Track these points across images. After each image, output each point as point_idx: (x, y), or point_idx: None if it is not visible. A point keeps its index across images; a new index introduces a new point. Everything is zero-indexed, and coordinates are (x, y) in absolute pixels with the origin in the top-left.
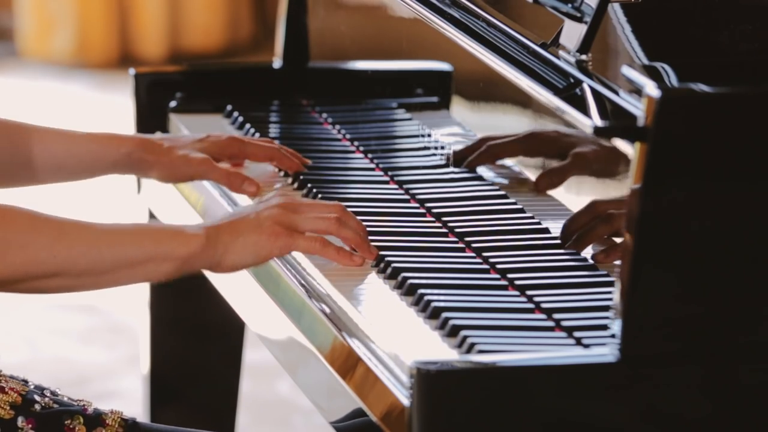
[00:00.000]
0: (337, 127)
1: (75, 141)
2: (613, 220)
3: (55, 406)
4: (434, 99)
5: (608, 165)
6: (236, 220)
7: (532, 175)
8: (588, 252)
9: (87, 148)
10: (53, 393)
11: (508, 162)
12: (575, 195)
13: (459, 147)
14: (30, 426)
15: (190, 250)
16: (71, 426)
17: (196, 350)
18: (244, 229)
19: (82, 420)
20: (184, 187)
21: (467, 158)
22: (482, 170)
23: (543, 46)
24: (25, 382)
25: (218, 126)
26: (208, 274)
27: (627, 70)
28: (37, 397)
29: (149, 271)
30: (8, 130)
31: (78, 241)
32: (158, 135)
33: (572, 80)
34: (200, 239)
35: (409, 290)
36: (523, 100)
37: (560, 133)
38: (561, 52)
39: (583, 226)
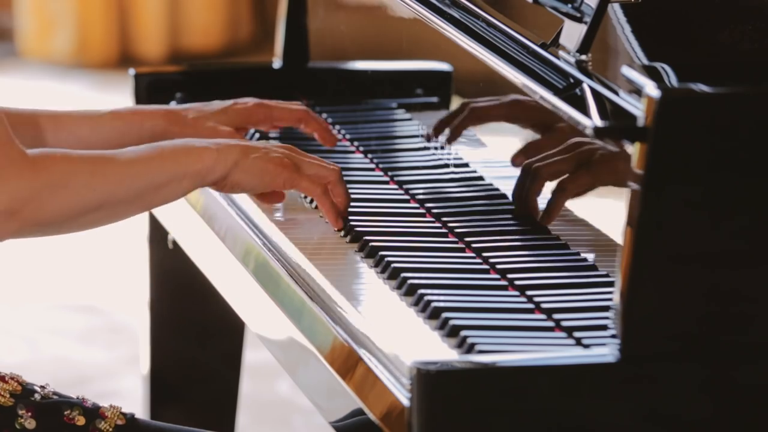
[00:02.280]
0: (337, 127)
1: (99, 121)
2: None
3: (55, 397)
4: (434, 99)
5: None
6: (248, 144)
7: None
8: (586, 251)
9: (111, 125)
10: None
11: (509, 162)
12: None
13: (463, 151)
14: (29, 414)
15: (204, 164)
16: (71, 416)
17: (196, 350)
18: (253, 152)
19: (81, 411)
20: None
21: (448, 126)
22: (482, 170)
23: (543, 46)
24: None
25: None
26: (207, 271)
27: (627, 70)
28: (37, 388)
29: (171, 190)
30: (30, 120)
31: (111, 172)
32: (184, 105)
33: (572, 80)
34: (212, 153)
35: (409, 290)
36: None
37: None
38: (561, 52)
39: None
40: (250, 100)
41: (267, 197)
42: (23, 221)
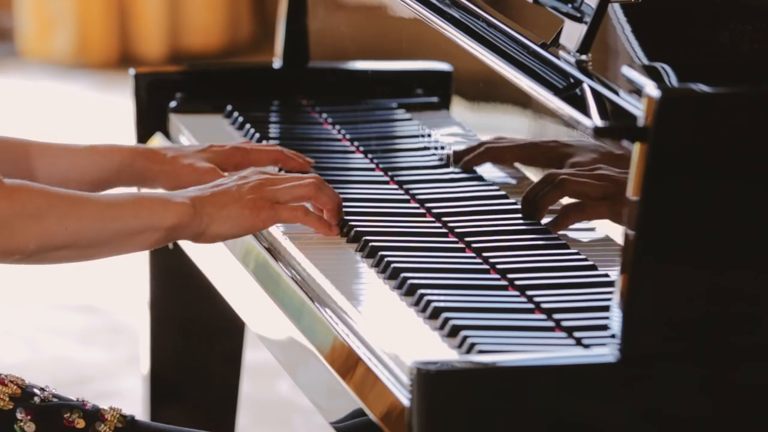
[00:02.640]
0: (337, 127)
1: (77, 153)
2: (564, 185)
3: (54, 400)
4: (434, 99)
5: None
6: (218, 192)
7: (532, 176)
8: (586, 250)
9: (90, 159)
10: (52, 391)
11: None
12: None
13: (459, 147)
14: (29, 417)
15: (179, 219)
16: (70, 419)
17: (196, 350)
18: (227, 201)
19: (81, 414)
20: None
21: (465, 158)
22: (482, 170)
23: (543, 46)
24: (23, 381)
25: (218, 126)
26: (207, 271)
27: (627, 70)
28: (36, 391)
29: (143, 240)
30: (8, 147)
31: (87, 214)
32: (160, 145)
33: (572, 80)
34: (188, 208)
35: (409, 290)
36: (523, 100)
37: (560, 143)
38: (561, 52)
39: (537, 194)
40: (227, 145)
41: None
42: None
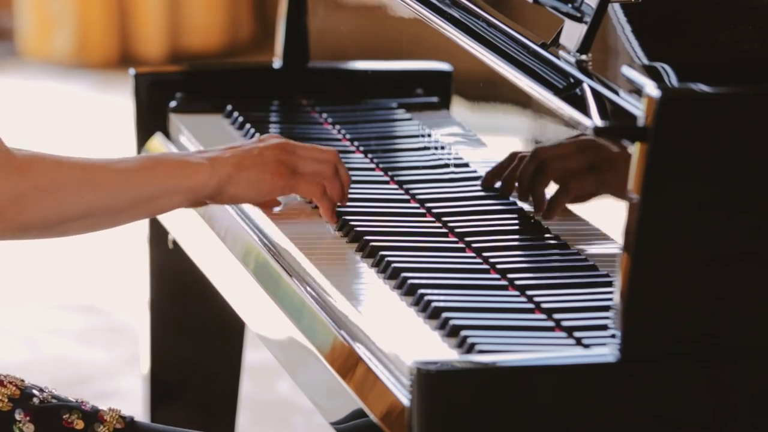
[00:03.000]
0: (337, 127)
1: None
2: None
3: (54, 401)
4: (434, 99)
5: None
6: (239, 153)
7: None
8: (586, 252)
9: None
10: (51, 392)
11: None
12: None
13: (463, 151)
14: (27, 419)
15: (198, 180)
16: (69, 420)
17: (196, 350)
18: (248, 164)
19: (80, 415)
20: None
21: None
22: (482, 170)
23: (543, 46)
24: (22, 381)
25: (218, 126)
26: (207, 271)
27: (627, 70)
28: (35, 392)
29: (163, 204)
30: None
31: (102, 181)
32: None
33: (572, 80)
34: (207, 169)
35: (409, 290)
36: (523, 100)
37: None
38: (561, 52)
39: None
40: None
41: (264, 204)
42: (6, 224)
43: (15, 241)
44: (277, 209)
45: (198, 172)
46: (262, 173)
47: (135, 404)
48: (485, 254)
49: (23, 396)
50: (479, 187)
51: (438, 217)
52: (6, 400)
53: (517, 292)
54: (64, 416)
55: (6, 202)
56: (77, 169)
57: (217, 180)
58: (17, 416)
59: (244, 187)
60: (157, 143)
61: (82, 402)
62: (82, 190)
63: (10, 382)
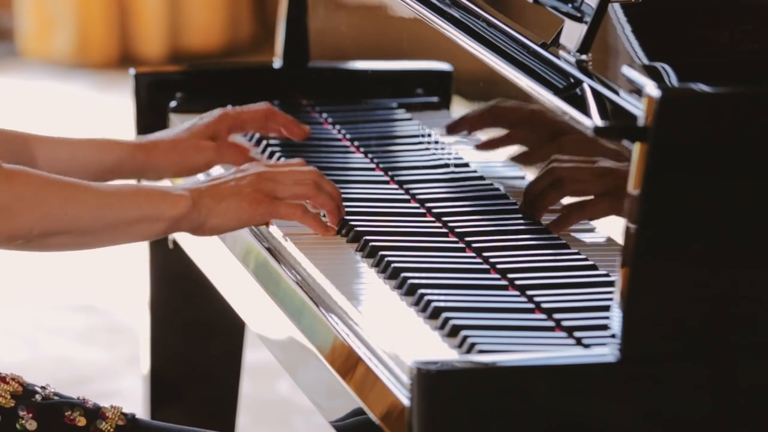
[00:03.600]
0: (337, 127)
1: (76, 146)
2: (563, 184)
3: (56, 398)
4: (434, 99)
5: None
6: (217, 184)
7: (532, 176)
8: (586, 251)
9: (90, 152)
10: (53, 390)
11: (508, 161)
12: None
13: (463, 151)
14: (30, 415)
15: (178, 211)
16: (71, 417)
17: (196, 350)
18: (226, 194)
19: (82, 412)
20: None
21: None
22: (483, 170)
23: (543, 46)
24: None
25: None
26: (207, 271)
27: (627, 70)
28: (38, 389)
29: (142, 230)
30: (9, 138)
31: (86, 200)
32: (152, 136)
33: (572, 80)
34: (187, 201)
35: (409, 290)
36: (523, 100)
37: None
38: (561, 52)
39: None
40: (216, 111)
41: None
42: None
43: None
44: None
45: (178, 203)
46: (240, 202)
47: (135, 404)
48: (485, 254)
49: (26, 393)
50: (479, 187)
51: (438, 217)
52: (8, 396)
53: (517, 292)
54: (66, 413)
55: None
56: (63, 186)
57: (197, 212)
58: (20, 413)
59: (223, 218)
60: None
61: (84, 399)
62: (65, 206)
63: (13, 379)
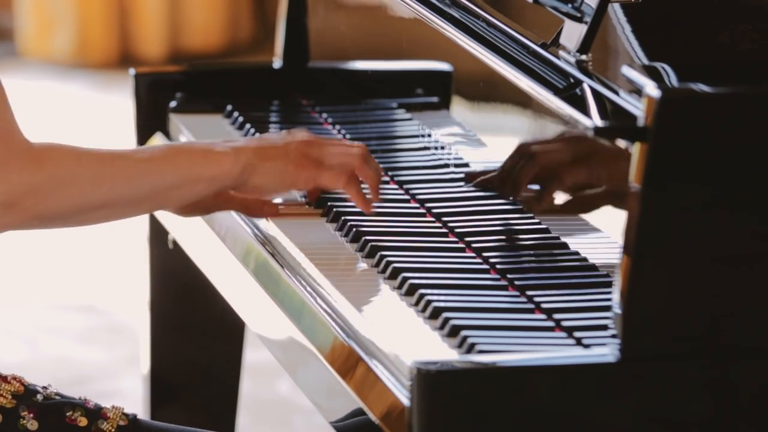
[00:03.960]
0: (337, 127)
1: None
2: (537, 158)
3: (57, 397)
4: (434, 99)
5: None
6: (264, 145)
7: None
8: (586, 251)
9: None
10: (54, 390)
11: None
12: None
13: (463, 151)
14: (31, 415)
15: (221, 169)
16: (73, 417)
17: (196, 350)
18: (272, 154)
19: (83, 412)
20: None
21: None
22: (483, 170)
23: (543, 46)
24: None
25: (218, 126)
26: (207, 271)
27: (627, 70)
28: (39, 389)
29: (184, 193)
30: None
31: (120, 171)
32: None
33: (572, 80)
34: (230, 158)
35: (409, 290)
36: (523, 100)
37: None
38: (561, 52)
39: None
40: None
41: (256, 211)
42: (23, 214)
43: (35, 230)
44: (277, 200)
45: (221, 160)
46: (285, 164)
47: (135, 404)
48: (485, 254)
49: (27, 393)
50: (479, 187)
51: (438, 217)
52: (9, 396)
53: (517, 292)
54: (68, 413)
55: (23, 192)
56: (95, 159)
57: (240, 169)
58: (21, 413)
59: (266, 177)
60: (157, 143)
61: (85, 400)
62: (99, 180)
63: (14, 378)
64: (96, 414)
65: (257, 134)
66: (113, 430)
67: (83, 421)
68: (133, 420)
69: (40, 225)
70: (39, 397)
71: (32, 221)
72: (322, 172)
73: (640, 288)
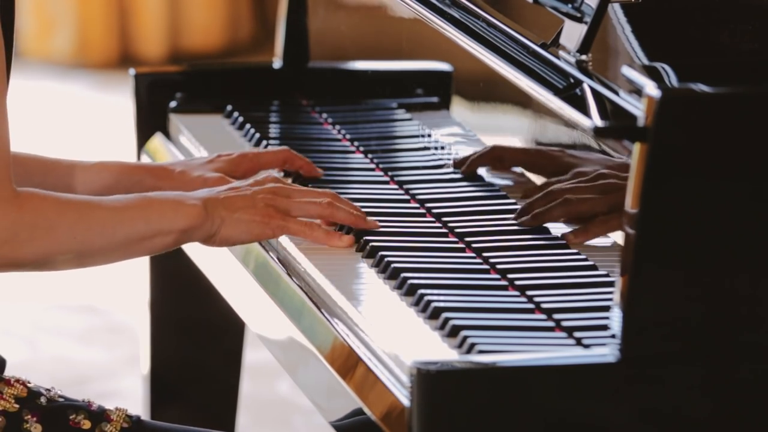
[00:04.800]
0: (337, 127)
1: (87, 171)
2: (567, 204)
3: (60, 400)
4: (434, 99)
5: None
6: (232, 195)
7: (532, 177)
8: (586, 251)
9: (98, 176)
10: (57, 392)
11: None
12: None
13: (462, 152)
14: (35, 419)
15: (190, 222)
16: (76, 420)
17: (196, 350)
18: (239, 206)
19: (86, 414)
20: None
21: (467, 161)
22: (482, 171)
23: (543, 46)
24: (28, 382)
25: (218, 126)
26: (207, 271)
27: (627, 70)
28: (42, 391)
29: (154, 244)
30: (21, 162)
31: (95, 220)
32: (170, 162)
33: (572, 80)
34: (199, 210)
35: (409, 290)
36: (523, 100)
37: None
38: (561, 52)
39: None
40: (234, 153)
41: None
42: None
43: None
44: None
45: (191, 213)
46: (253, 215)
47: (135, 404)
48: (485, 254)
49: (30, 395)
50: (479, 187)
51: (438, 217)
52: (12, 401)
53: (517, 292)
54: (71, 416)
55: (2, 239)
56: (73, 208)
57: (210, 222)
58: (24, 416)
59: (235, 229)
60: (157, 143)
61: (88, 402)
62: (75, 229)
63: (17, 381)
64: (99, 416)
65: (255, 135)
66: None
67: (87, 424)
68: (136, 422)
69: (13, 270)
70: (42, 400)
71: (6, 267)
72: (289, 224)
73: (640, 288)
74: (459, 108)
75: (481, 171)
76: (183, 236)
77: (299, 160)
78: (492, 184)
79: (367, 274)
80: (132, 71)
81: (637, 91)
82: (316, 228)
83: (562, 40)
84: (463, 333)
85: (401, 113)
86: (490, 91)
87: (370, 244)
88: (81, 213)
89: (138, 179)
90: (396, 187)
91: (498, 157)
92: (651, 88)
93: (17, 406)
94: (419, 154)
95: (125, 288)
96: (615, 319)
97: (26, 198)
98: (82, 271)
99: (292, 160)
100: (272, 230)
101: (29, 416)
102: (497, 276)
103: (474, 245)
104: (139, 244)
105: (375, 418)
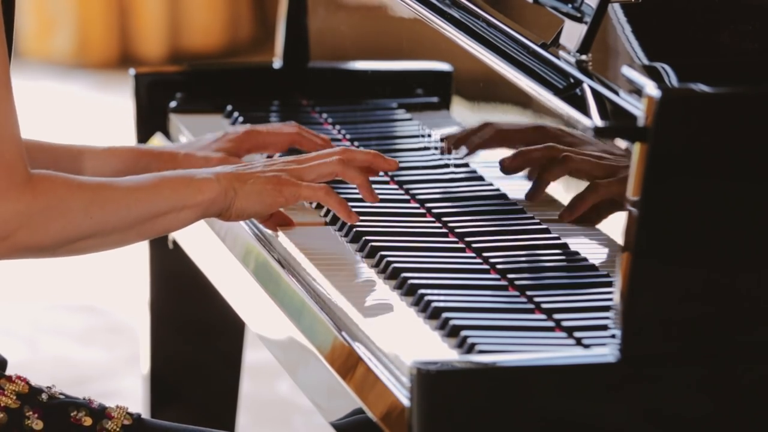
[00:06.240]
0: (337, 127)
1: (96, 156)
2: (567, 161)
3: (61, 397)
4: (434, 99)
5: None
6: (243, 168)
7: (532, 176)
8: (586, 251)
9: (106, 161)
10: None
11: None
12: (575, 194)
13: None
14: (36, 416)
15: (205, 196)
16: (77, 417)
17: (196, 350)
18: (251, 177)
19: (87, 412)
20: None
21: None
22: (482, 171)
23: (543, 46)
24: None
25: (218, 126)
26: (207, 271)
27: (627, 70)
28: (44, 388)
29: (170, 221)
30: (59, 155)
31: (109, 200)
32: (174, 144)
33: (572, 80)
34: (213, 184)
35: (409, 290)
36: (523, 100)
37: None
38: (561, 52)
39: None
40: (240, 128)
41: (272, 222)
42: (14, 245)
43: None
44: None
45: (204, 187)
46: (264, 184)
47: (135, 404)
48: (485, 254)
49: (31, 392)
50: (479, 187)
51: (438, 217)
52: (14, 397)
53: (517, 292)
54: (72, 413)
55: (16, 225)
56: (86, 189)
57: (224, 195)
58: (26, 413)
59: (248, 200)
60: (157, 143)
61: (89, 400)
62: (90, 210)
63: (19, 377)
64: (100, 414)
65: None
66: (117, 429)
67: (88, 421)
68: (137, 419)
69: (31, 255)
70: (43, 396)
71: (24, 252)
72: (300, 188)
73: (640, 288)
74: (459, 108)
75: (481, 170)
76: (198, 210)
77: (309, 141)
78: (492, 184)
79: (367, 274)
80: (132, 71)
81: (637, 91)
82: (329, 192)
83: (562, 40)
84: (463, 333)
85: (401, 113)
86: (490, 91)
87: (371, 244)
88: (95, 193)
89: (145, 164)
90: (396, 187)
91: (492, 136)
92: (651, 88)
93: (19, 402)
94: (419, 154)
95: (125, 288)
96: (615, 319)
97: (39, 180)
98: (82, 271)
99: (300, 142)
100: (285, 198)
101: (30, 412)
102: (497, 276)
103: (474, 245)
104: (154, 222)
105: (375, 418)
